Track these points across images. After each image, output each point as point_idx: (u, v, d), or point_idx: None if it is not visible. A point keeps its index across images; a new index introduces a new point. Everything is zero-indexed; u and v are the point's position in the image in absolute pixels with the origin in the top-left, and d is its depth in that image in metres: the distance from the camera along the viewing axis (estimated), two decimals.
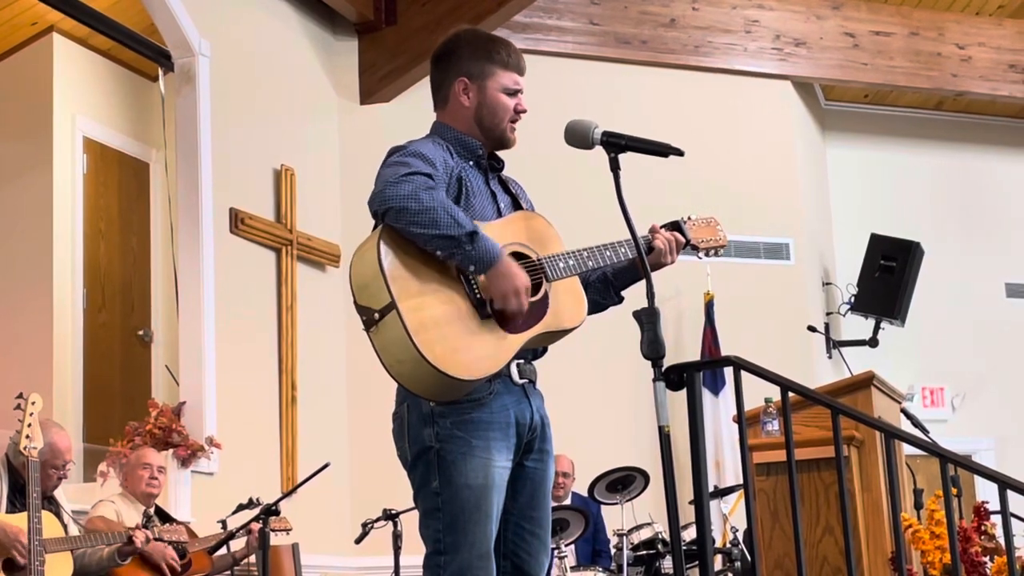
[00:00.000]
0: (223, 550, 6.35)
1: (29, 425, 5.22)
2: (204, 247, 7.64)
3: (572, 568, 7.37)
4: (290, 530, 6.34)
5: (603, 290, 3.58)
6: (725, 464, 9.25)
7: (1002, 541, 4.16)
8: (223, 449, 7.44)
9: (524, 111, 3.50)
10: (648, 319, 3.17)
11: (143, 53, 8.07)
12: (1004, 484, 3.58)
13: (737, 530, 7.66)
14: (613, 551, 7.77)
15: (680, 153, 3.35)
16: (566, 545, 7.32)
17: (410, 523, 6.55)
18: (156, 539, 5.71)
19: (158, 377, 8.75)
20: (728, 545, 7.68)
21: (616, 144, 3.33)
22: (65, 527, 5.51)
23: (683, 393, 3.26)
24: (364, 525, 6.96)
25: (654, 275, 3.29)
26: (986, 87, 11.20)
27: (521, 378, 3.35)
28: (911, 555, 5.14)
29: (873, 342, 10.66)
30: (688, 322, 9.78)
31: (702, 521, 3.26)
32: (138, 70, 9.08)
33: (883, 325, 10.69)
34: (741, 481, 7.23)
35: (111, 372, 8.74)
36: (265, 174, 8.35)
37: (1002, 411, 11.51)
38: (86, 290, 8.60)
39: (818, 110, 11.57)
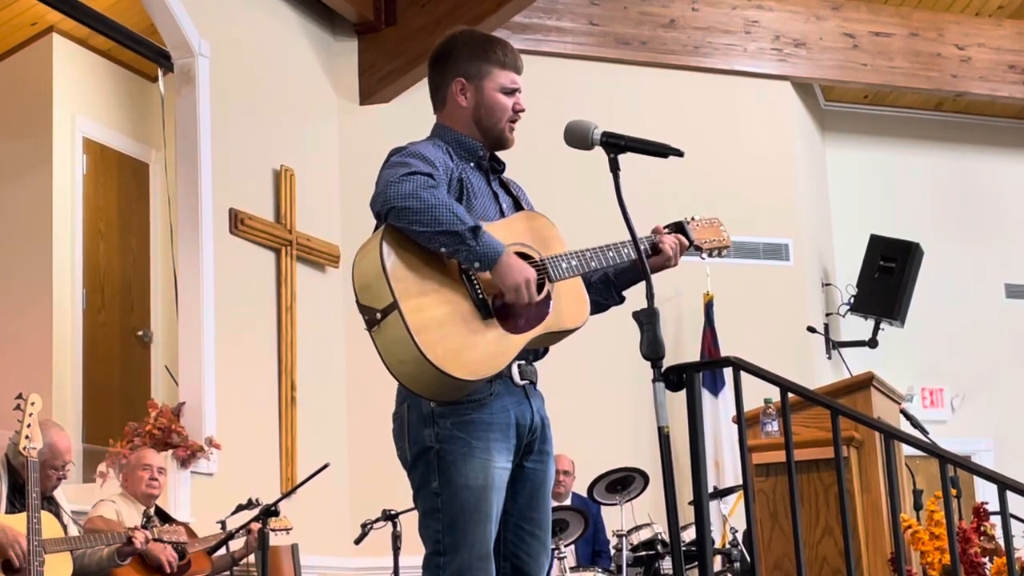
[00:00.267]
0: (223, 550, 6.34)
1: (28, 425, 5.22)
2: (204, 247, 7.64)
3: (572, 569, 7.37)
4: (290, 529, 6.33)
5: (604, 290, 3.58)
6: (724, 465, 9.25)
7: (1001, 542, 4.15)
8: (222, 449, 7.44)
9: (522, 110, 3.50)
10: (648, 320, 3.17)
11: (143, 53, 8.07)
12: (1003, 485, 3.58)
13: (736, 531, 7.66)
14: (613, 552, 7.77)
15: (680, 154, 3.35)
16: (566, 546, 7.32)
17: (409, 524, 6.54)
18: (156, 539, 5.70)
19: (157, 377, 8.75)
20: (727, 546, 7.68)
21: (616, 145, 3.33)
22: (64, 527, 5.51)
23: (683, 394, 3.26)
24: (363, 526, 6.96)
25: (654, 276, 3.30)
26: (986, 88, 11.21)
27: (522, 379, 3.35)
28: (910, 556, 5.14)
29: (872, 343, 10.66)
30: (688, 323, 9.78)
31: (701, 522, 3.26)
32: (138, 70, 9.08)
33: (882, 326, 10.69)
34: (741, 482, 7.23)
35: (111, 372, 8.74)
36: (265, 174, 8.35)
37: (1001, 412, 11.51)
38: (86, 290, 8.60)
39: (818, 111, 11.57)
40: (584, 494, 7.90)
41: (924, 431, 6.24)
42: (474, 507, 3.23)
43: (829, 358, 10.61)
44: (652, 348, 3.17)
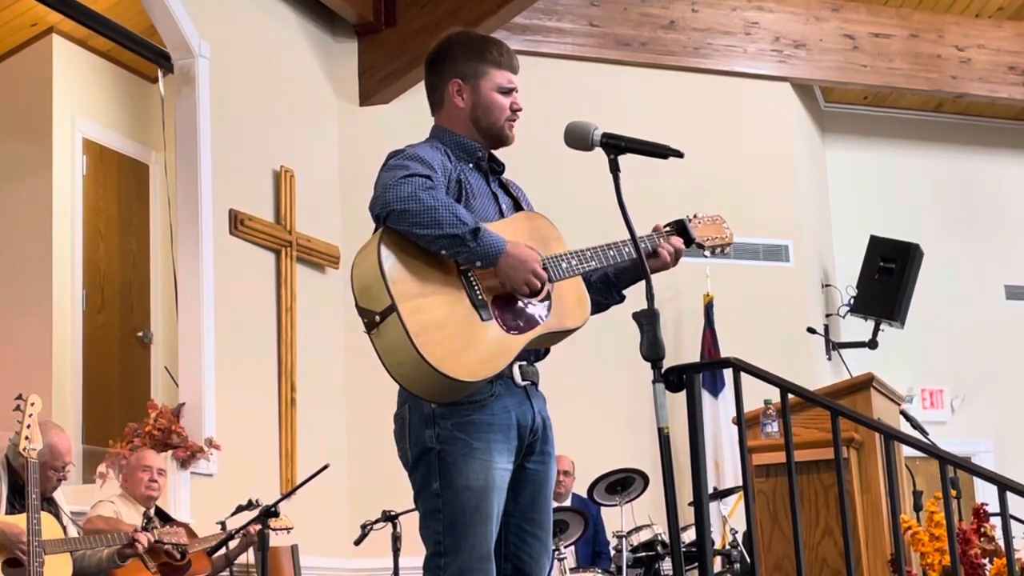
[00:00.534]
0: (222, 551, 6.34)
1: (28, 426, 5.22)
2: (203, 248, 7.64)
3: (572, 570, 7.37)
4: (291, 528, 6.33)
5: (605, 290, 3.58)
6: (724, 466, 9.25)
7: (1001, 543, 4.15)
8: (222, 450, 7.44)
9: (520, 109, 3.50)
10: (648, 320, 3.17)
11: (143, 54, 8.07)
12: (1003, 486, 3.58)
13: (736, 532, 7.65)
14: (613, 552, 7.77)
15: (680, 155, 3.35)
16: (566, 547, 7.32)
17: (409, 525, 6.54)
18: (156, 541, 5.70)
19: (157, 378, 8.75)
20: (727, 547, 7.68)
21: (616, 146, 3.33)
22: (64, 528, 5.50)
23: (683, 395, 3.26)
24: (363, 527, 6.96)
25: (654, 276, 3.30)
26: (985, 89, 11.21)
27: (523, 380, 3.35)
28: (910, 557, 5.14)
29: (872, 344, 10.66)
30: (688, 324, 9.78)
31: (701, 523, 3.26)
32: (138, 71, 9.08)
33: (882, 327, 10.69)
34: (741, 483, 7.23)
35: (110, 373, 8.74)
36: (264, 175, 8.35)
37: (1001, 413, 11.51)
38: (85, 291, 8.60)
39: (817, 112, 11.57)
40: (584, 495, 7.90)
41: (924, 432, 6.24)
42: (475, 508, 3.22)
43: (829, 359, 10.61)
44: (652, 349, 3.17)
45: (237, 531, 6.18)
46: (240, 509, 6.44)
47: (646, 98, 10.01)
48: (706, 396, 9.25)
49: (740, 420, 3.45)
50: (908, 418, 6.42)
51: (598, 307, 3.56)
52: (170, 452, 7.16)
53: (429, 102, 3.55)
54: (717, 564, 7.52)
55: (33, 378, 7.78)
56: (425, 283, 3.20)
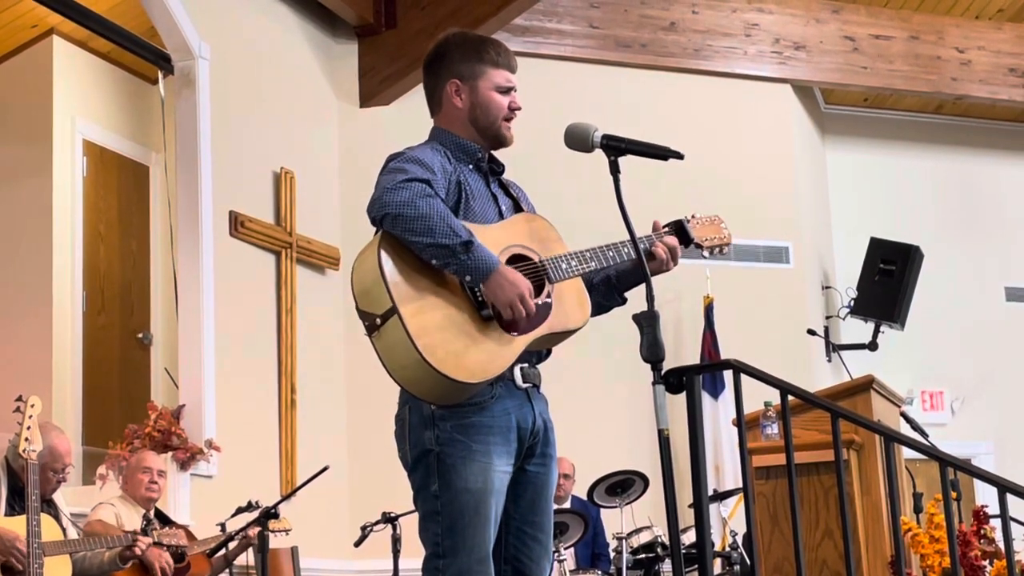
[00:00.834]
0: (221, 552, 6.34)
1: (28, 428, 5.22)
2: (204, 250, 7.64)
3: (571, 571, 7.37)
4: (290, 530, 6.33)
5: (606, 292, 3.58)
6: (724, 467, 9.25)
7: (1001, 545, 4.15)
8: (222, 452, 7.44)
9: (518, 108, 3.50)
10: (648, 322, 3.17)
11: (143, 56, 8.07)
12: (1003, 488, 3.58)
13: (736, 534, 7.65)
14: (612, 554, 7.77)
15: (680, 156, 3.35)
16: (565, 548, 7.32)
17: (409, 526, 6.55)
18: (155, 543, 5.70)
19: (157, 380, 8.75)
20: (727, 549, 7.68)
21: (616, 147, 3.33)
22: (64, 530, 5.50)
23: (683, 396, 3.26)
24: (363, 528, 6.96)
25: (655, 278, 3.30)
26: (985, 91, 11.21)
27: (525, 382, 3.35)
28: (910, 559, 5.14)
29: (873, 346, 10.66)
30: (688, 325, 9.78)
31: (701, 525, 3.26)
32: (138, 73, 9.08)
33: (883, 329, 10.69)
34: (740, 484, 7.23)
35: (110, 375, 8.74)
36: (265, 177, 8.35)
37: (1001, 415, 11.51)
38: (86, 293, 8.60)
39: (818, 113, 11.57)
40: (584, 497, 7.90)
41: (924, 434, 6.24)
42: (473, 510, 3.22)
43: (829, 361, 10.61)
44: (652, 351, 3.17)
45: (237, 533, 6.18)
46: (240, 511, 6.44)
47: (646, 100, 10.01)
48: (706, 398, 9.25)
49: (740, 422, 3.45)
50: (908, 420, 6.42)
51: (600, 309, 3.56)
52: (170, 454, 7.16)
53: (428, 104, 3.56)
54: (717, 566, 7.52)
55: (33, 379, 7.78)
56: (425, 285, 3.20)
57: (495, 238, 3.29)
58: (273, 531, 6.15)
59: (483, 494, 3.23)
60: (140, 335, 8.91)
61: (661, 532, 7.56)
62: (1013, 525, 3.77)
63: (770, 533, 5.35)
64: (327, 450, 8.18)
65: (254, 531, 6.12)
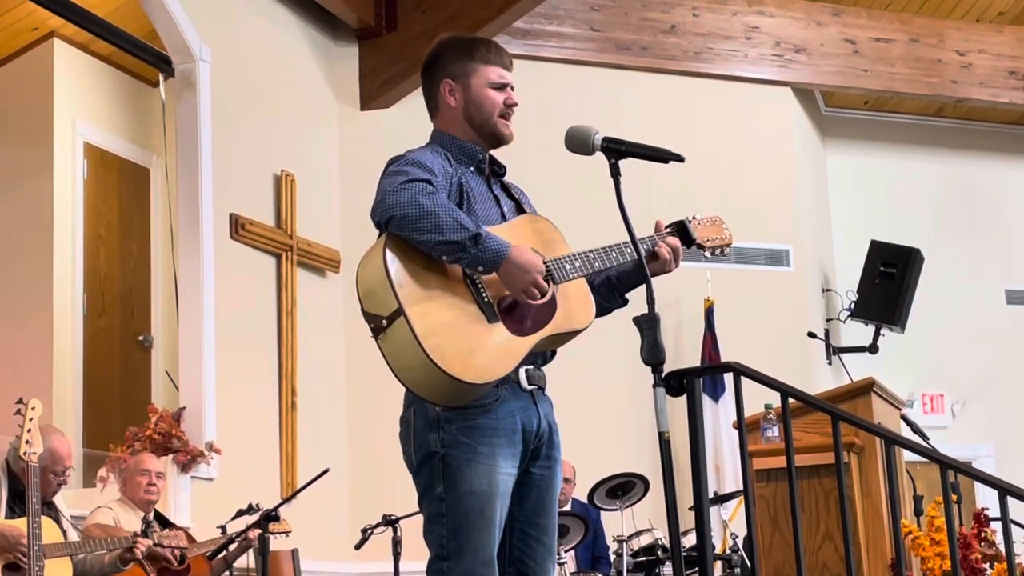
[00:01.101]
0: (221, 555, 6.33)
1: (29, 430, 5.22)
2: (204, 252, 7.64)
3: (572, 574, 7.37)
4: (290, 532, 6.32)
5: (607, 293, 3.58)
6: (725, 470, 9.25)
7: (1002, 547, 4.15)
8: (223, 454, 7.44)
9: (515, 104, 3.50)
10: (648, 325, 3.17)
11: (144, 59, 8.07)
12: (1004, 490, 3.58)
13: (737, 536, 7.65)
14: (613, 557, 7.77)
15: (680, 159, 3.35)
16: (566, 551, 7.32)
17: (409, 529, 6.56)
18: (155, 545, 5.70)
19: (158, 382, 8.75)
20: (728, 551, 7.68)
21: (616, 150, 3.33)
22: (64, 533, 5.50)
23: (683, 399, 3.26)
24: (364, 531, 6.96)
25: (655, 280, 3.30)
26: (986, 94, 11.21)
27: (530, 384, 3.35)
28: (911, 562, 5.14)
29: (873, 348, 10.65)
30: (688, 328, 9.78)
31: (702, 527, 3.26)
32: (139, 75, 9.09)
33: (883, 331, 10.69)
34: (741, 487, 7.23)
35: (111, 377, 8.74)
36: (265, 179, 8.35)
37: (1002, 417, 11.51)
38: (86, 295, 8.60)
39: (818, 116, 11.57)
40: (584, 499, 7.90)
41: (925, 437, 6.24)
42: (478, 513, 3.23)
43: (829, 364, 10.61)
44: (652, 353, 3.17)
45: (237, 535, 6.18)
46: (240, 513, 6.43)
47: (647, 102, 10.01)
48: (707, 400, 9.25)
49: (741, 424, 3.44)
50: (909, 423, 6.42)
51: (601, 310, 3.56)
52: (170, 456, 7.16)
53: (427, 108, 3.57)
54: (717, 569, 7.52)
55: (34, 382, 7.78)
56: (431, 286, 3.20)
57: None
58: (273, 533, 6.15)
59: (488, 496, 3.23)
60: (140, 337, 8.91)
61: (662, 535, 7.56)
62: (1014, 528, 3.77)
63: (771, 536, 5.35)
64: (327, 452, 8.18)
65: (254, 533, 6.12)
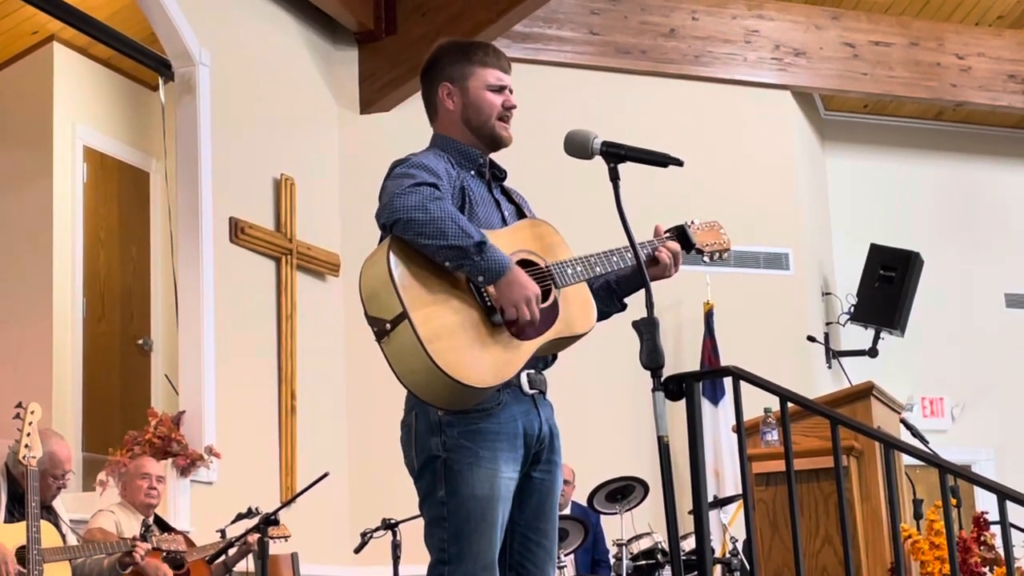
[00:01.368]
0: (221, 559, 6.33)
1: (28, 434, 5.22)
2: (204, 256, 7.64)
3: None
4: (289, 536, 6.32)
5: (606, 298, 3.58)
6: (724, 474, 9.24)
7: (1001, 552, 4.15)
8: (222, 458, 7.43)
9: (513, 107, 3.51)
10: (647, 329, 3.17)
11: (143, 62, 8.08)
12: (1003, 495, 3.58)
13: (736, 540, 7.65)
14: (612, 561, 7.76)
15: (679, 163, 3.35)
16: (565, 555, 7.31)
17: (409, 533, 6.56)
18: (154, 548, 5.69)
19: (157, 386, 8.74)
20: (727, 555, 7.67)
21: (615, 154, 3.34)
22: (63, 537, 5.50)
23: (682, 403, 3.26)
24: (363, 535, 6.95)
25: (654, 285, 3.30)
26: (985, 97, 11.21)
27: (531, 388, 3.35)
28: (910, 566, 5.14)
29: (873, 352, 10.65)
30: (687, 332, 9.77)
31: (701, 531, 3.26)
32: (138, 79, 9.09)
33: (883, 335, 10.69)
34: (740, 491, 7.23)
35: (110, 381, 8.73)
36: (265, 183, 8.35)
37: (1002, 421, 11.50)
38: (86, 299, 8.60)
39: (817, 120, 11.58)
40: (584, 503, 7.90)
41: (924, 440, 6.24)
42: (480, 517, 3.23)
43: (829, 367, 10.61)
44: (652, 357, 3.17)
45: (236, 539, 6.17)
46: (240, 517, 6.43)
47: (646, 106, 10.02)
48: (706, 404, 9.25)
49: (740, 428, 3.45)
50: (908, 426, 6.43)
51: (600, 315, 3.56)
52: (170, 460, 7.16)
53: (427, 113, 3.58)
54: (717, 572, 7.51)
55: (33, 386, 7.77)
56: (435, 290, 3.20)
57: (501, 244, 3.29)
58: (273, 538, 6.15)
59: (490, 501, 3.23)
60: (140, 341, 8.91)
61: (661, 538, 7.56)
62: (1013, 532, 3.77)
63: (770, 540, 5.35)
64: (327, 456, 8.18)
65: (254, 538, 6.12)
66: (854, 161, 11.79)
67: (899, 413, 6.21)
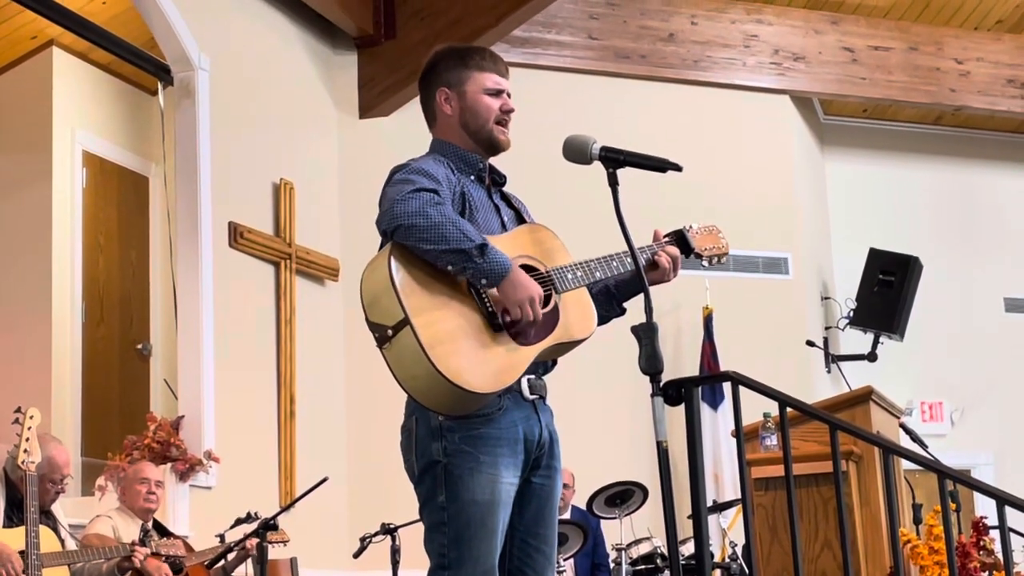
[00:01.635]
0: (220, 563, 6.33)
1: (27, 439, 5.21)
2: (203, 261, 7.64)
3: None
4: (288, 541, 6.32)
5: (605, 303, 3.58)
6: (724, 479, 9.24)
7: (1000, 556, 4.15)
8: (221, 463, 7.43)
9: (511, 110, 3.51)
10: (646, 334, 3.17)
11: (143, 67, 8.08)
12: (1002, 500, 3.58)
13: (736, 545, 7.65)
14: (612, 565, 7.77)
15: (678, 168, 3.35)
16: (565, 559, 7.31)
17: (408, 537, 6.55)
18: (154, 553, 5.69)
19: (156, 391, 8.74)
20: (727, 560, 7.67)
21: (614, 159, 3.34)
22: (62, 542, 5.50)
23: (682, 408, 3.26)
24: (362, 539, 6.95)
25: (653, 289, 3.30)
26: (984, 102, 11.22)
27: (532, 393, 3.35)
28: (909, 570, 5.14)
29: (872, 357, 10.66)
30: (687, 337, 9.78)
31: (700, 536, 3.26)
32: (138, 84, 9.09)
33: (882, 340, 10.69)
34: (740, 496, 7.23)
35: (110, 386, 8.73)
36: (264, 188, 8.35)
37: (1001, 426, 11.51)
38: (85, 304, 8.60)
39: (817, 125, 11.58)
40: (584, 508, 7.90)
41: (924, 445, 6.24)
42: (480, 522, 3.23)
43: (828, 372, 10.61)
44: (651, 362, 3.17)
45: (235, 544, 6.17)
46: (239, 522, 6.43)
47: (645, 111, 10.02)
48: (705, 409, 9.25)
49: (739, 433, 3.45)
50: (908, 431, 6.42)
51: (600, 319, 3.56)
52: (169, 465, 7.15)
53: (425, 118, 3.59)
54: None
55: (32, 391, 7.78)
56: (436, 296, 3.20)
57: (500, 249, 3.29)
58: (272, 542, 6.14)
59: (490, 506, 3.23)
60: (139, 346, 8.91)
61: (660, 543, 7.56)
62: (1012, 537, 3.77)
63: (769, 544, 5.34)
64: (326, 461, 8.18)
65: (253, 542, 6.11)
66: (853, 165, 11.80)
67: (898, 418, 6.21)
